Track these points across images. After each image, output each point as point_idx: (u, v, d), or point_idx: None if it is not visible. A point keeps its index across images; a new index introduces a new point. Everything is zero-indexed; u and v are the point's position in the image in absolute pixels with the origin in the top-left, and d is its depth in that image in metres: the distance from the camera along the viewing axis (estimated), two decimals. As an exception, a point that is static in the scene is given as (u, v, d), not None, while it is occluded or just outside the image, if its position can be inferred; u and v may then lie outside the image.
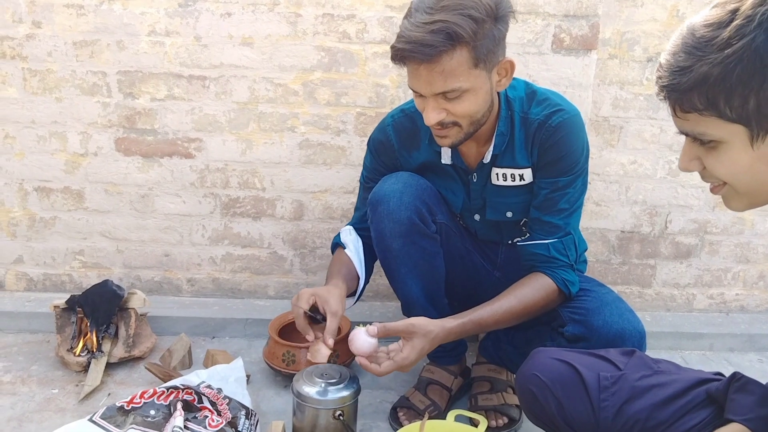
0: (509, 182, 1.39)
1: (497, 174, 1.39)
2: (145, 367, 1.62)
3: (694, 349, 1.99)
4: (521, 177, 1.38)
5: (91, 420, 1.29)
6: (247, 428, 1.33)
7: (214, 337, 1.93)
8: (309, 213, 1.99)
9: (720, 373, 1.09)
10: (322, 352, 1.28)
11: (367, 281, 1.51)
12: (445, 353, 1.58)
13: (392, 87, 1.87)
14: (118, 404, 1.32)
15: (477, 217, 1.49)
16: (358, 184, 1.60)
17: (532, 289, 1.34)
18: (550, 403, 1.09)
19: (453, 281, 1.50)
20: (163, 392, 1.35)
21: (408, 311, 1.50)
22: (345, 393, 1.33)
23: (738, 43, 0.72)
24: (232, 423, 1.31)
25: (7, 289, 2.05)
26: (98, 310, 1.69)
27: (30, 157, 1.93)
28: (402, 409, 1.51)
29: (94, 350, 1.66)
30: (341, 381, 1.34)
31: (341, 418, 1.32)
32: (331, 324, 1.27)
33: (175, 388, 1.36)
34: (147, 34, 1.82)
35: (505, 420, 1.50)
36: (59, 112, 1.89)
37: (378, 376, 1.23)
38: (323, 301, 1.29)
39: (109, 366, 1.67)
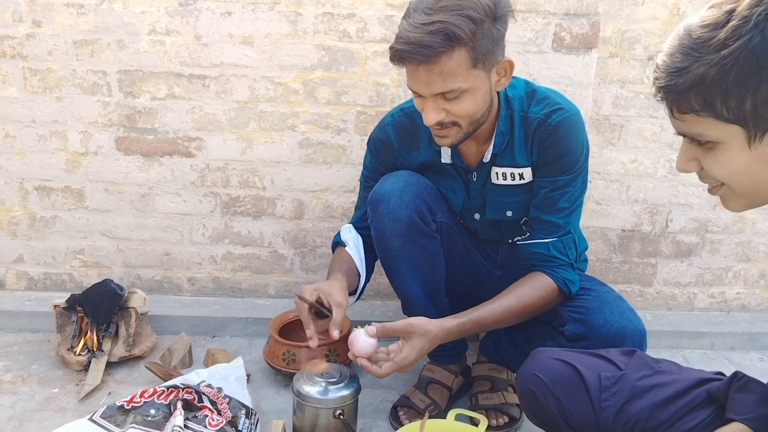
0: (509, 181, 1.39)
1: (497, 173, 1.39)
2: (146, 367, 1.62)
3: (695, 348, 1.99)
4: (521, 176, 1.38)
5: (91, 419, 1.30)
6: (248, 427, 1.33)
7: (214, 336, 1.93)
8: (309, 212, 1.99)
9: (721, 373, 1.08)
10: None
11: (367, 279, 1.51)
12: (446, 352, 1.58)
13: (392, 86, 1.87)
14: (118, 403, 1.33)
15: (477, 216, 1.48)
16: (359, 183, 1.60)
17: (532, 289, 1.33)
18: (550, 403, 1.09)
19: (453, 280, 1.50)
20: (164, 391, 1.35)
21: (408, 310, 1.50)
22: (345, 392, 1.33)
23: (734, 44, 0.72)
24: (233, 422, 1.31)
25: (8, 289, 2.05)
26: (99, 309, 1.69)
27: (30, 157, 1.93)
28: (402, 408, 1.52)
29: (95, 349, 1.66)
30: (341, 380, 1.35)
31: (341, 417, 1.32)
32: (337, 315, 1.27)
33: (176, 387, 1.36)
34: (147, 33, 1.82)
35: (506, 419, 1.50)
36: (59, 112, 1.89)
37: (379, 378, 1.23)
38: (327, 294, 1.30)
39: (110, 365, 1.67)
